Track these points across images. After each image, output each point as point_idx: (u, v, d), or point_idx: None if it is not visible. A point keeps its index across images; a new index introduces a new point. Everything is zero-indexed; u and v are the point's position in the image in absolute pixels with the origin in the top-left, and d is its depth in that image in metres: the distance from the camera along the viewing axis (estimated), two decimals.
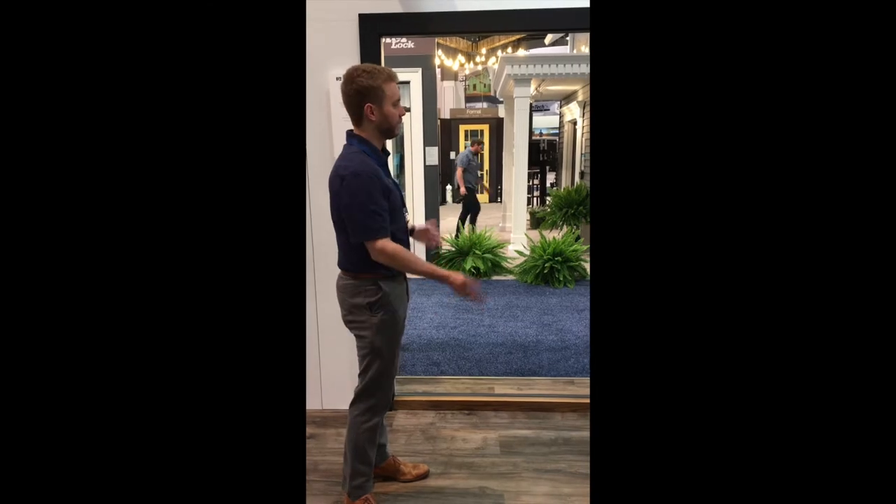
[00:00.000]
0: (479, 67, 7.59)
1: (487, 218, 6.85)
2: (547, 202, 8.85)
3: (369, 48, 2.20)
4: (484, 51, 6.72)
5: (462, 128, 11.56)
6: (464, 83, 13.04)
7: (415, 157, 5.43)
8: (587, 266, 5.04)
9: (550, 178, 11.05)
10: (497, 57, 6.71)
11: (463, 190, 6.63)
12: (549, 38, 7.78)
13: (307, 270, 2.41)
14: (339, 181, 1.54)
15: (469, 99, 13.00)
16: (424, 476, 2.03)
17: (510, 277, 5.19)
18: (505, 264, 5.32)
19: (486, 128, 11.46)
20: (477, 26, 2.29)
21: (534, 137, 10.80)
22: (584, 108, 7.87)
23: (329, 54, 2.23)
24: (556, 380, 2.85)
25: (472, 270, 5.08)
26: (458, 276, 1.64)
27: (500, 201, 7.75)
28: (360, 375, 1.73)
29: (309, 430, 2.38)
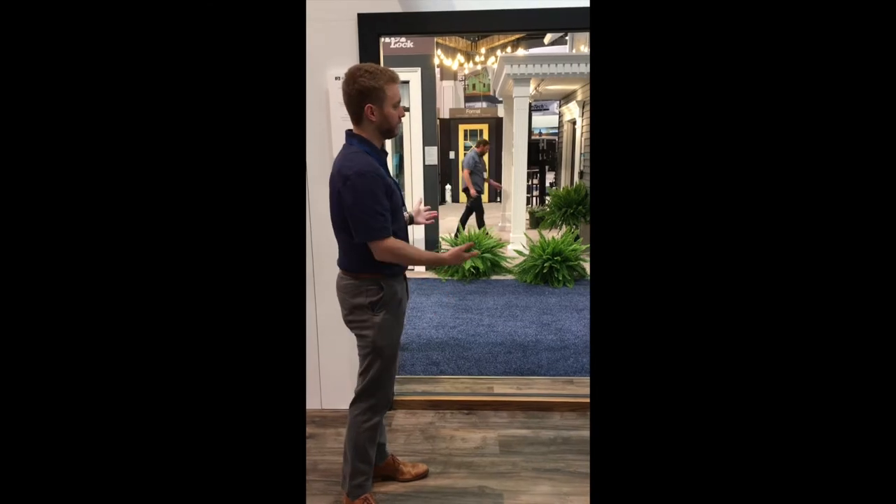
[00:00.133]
0: (479, 67, 7.58)
1: (487, 218, 6.83)
2: (546, 202, 8.86)
3: (368, 48, 2.20)
4: (483, 50, 6.71)
5: (461, 127, 11.56)
6: (463, 83, 13.04)
7: (414, 157, 5.43)
8: (586, 266, 5.05)
9: (550, 177, 11.05)
10: (496, 56, 6.70)
11: (473, 192, 6.46)
12: (548, 37, 7.78)
13: (307, 270, 2.41)
14: (343, 181, 1.54)
15: (468, 98, 13.00)
16: (423, 475, 2.04)
17: (509, 277, 5.20)
18: (504, 264, 5.32)
19: (485, 127, 11.46)
20: (476, 26, 2.29)
21: (533, 137, 10.80)
22: (583, 108, 7.87)
23: (328, 54, 2.23)
24: (556, 379, 2.86)
25: (472, 270, 5.08)
26: (448, 255, 1.70)
27: (499, 201, 7.72)
28: (360, 375, 1.73)
29: (308, 429, 2.38)
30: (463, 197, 11.52)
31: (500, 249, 5.43)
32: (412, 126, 5.33)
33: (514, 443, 2.26)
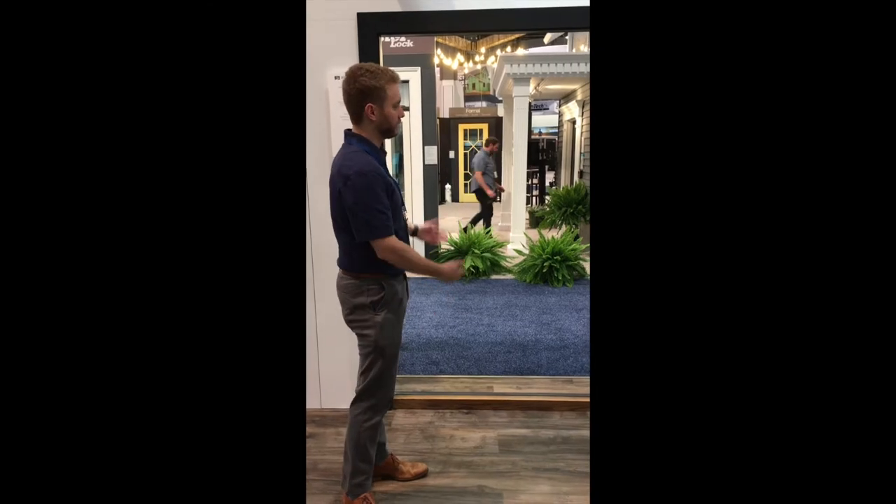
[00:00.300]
0: (479, 66, 7.58)
1: None
2: (546, 201, 8.85)
3: (368, 47, 2.20)
4: (483, 50, 6.71)
5: (461, 127, 11.56)
6: (463, 82, 13.04)
7: (414, 157, 5.43)
8: (586, 265, 5.05)
9: (549, 177, 11.05)
10: (496, 56, 6.70)
11: (491, 193, 6.37)
12: (548, 37, 7.77)
13: (307, 270, 2.41)
14: (343, 180, 1.54)
15: (468, 98, 13.00)
16: (423, 475, 2.04)
17: (509, 277, 5.20)
18: (504, 263, 5.32)
19: (485, 127, 11.46)
20: (476, 25, 2.29)
21: (533, 136, 10.80)
22: (583, 108, 7.87)
23: (328, 54, 2.23)
24: (555, 379, 2.86)
25: (472, 269, 5.08)
26: (446, 268, 1.70)
27: (499, 201, 7.72)
28: (361, 374, 1.73)
29: (308, 429, 2.38)
30: (464, 197, 11.55)
31: (500, 249, 5.43)
32: (412, 125, 5.32)
33: (514, 442, 2.26)
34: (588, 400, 2.38)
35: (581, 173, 8.01)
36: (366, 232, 1.56)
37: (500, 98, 9.78)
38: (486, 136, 11.23)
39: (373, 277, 1.64)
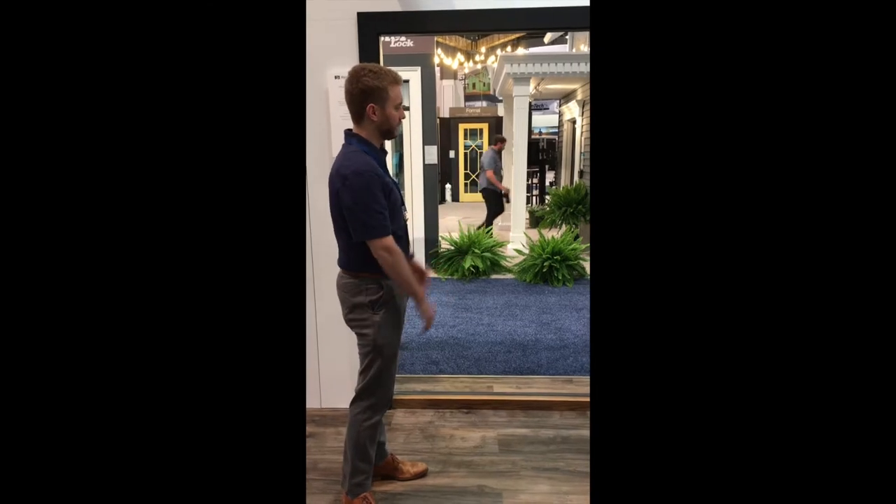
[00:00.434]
0: (479, 66, 7.57)
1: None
2: (546, 201, 8.85)
3: (368, 47, 2.20)
4: (483, 49, 6.70)
5: (461, 126, 11.55)
6: (463, 82, 13.03)
7: (414, 156, 5.42)
8: (586, 265, 5.05)
9: (549, 176, 11.05)
10: (496, 56, 6.70)
11: (504, 189, 6.55)
12: (548, 36, 7.77)
13: (307, 270, 2.41)
14: (341, 180, 1.54)
15: (468, 98, 12.99)
16: (423, 474, 2.04)
17: (509, 276, 5.20)
18: (504, 263, 5.32)
19: (485, 126, 11.46)
20: (476, 25, 2.29)
21: (533, 136, 10.80)
22: (583, 107, 7.87)
23: (328, 53, 2.23)
24: (555, 378, 2.86)
25: (472, 269, 5.08)
26: (428, 310, 1.65)
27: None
28: (361, 374, 1.73)
29: (308, 428, 2.39)
30: (464, 197, 11.55)
31: (500, 248, 5.43)
32: (412, 125, 5.32)
33: (514, 442, 2.26)
34: (588, 400, 2.38)
35: (581, 173, 8.01)
36: (362, 232, 1.56)
37: (501, 98, 9.78)
38: (486, 135, 11.24)
39: (371, 277, 1.64)
